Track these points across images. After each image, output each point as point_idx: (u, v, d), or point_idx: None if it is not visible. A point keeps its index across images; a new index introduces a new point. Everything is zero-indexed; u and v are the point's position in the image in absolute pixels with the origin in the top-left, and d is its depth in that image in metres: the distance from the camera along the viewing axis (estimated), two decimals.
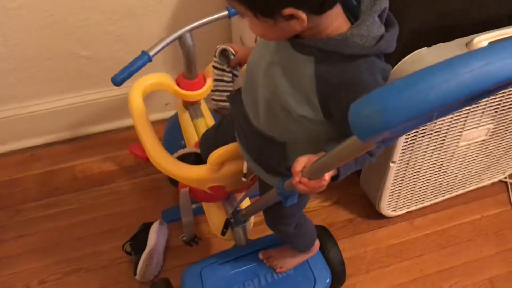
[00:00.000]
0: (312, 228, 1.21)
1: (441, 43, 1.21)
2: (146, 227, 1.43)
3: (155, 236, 1.39)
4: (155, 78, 1.20)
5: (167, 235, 1.46)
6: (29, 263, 1.43)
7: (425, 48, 1.20)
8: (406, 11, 1.19)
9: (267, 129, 0.84)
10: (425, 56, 1.20)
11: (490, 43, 1.19)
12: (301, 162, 0.67)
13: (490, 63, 0.35)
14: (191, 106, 1.33)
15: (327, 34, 0.69)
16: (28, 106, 1.67)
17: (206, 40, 1.52)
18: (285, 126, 0.80)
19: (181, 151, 1.13)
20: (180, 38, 1.14)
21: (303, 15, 0.64)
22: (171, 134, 1.42)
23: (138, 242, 1.41)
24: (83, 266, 1.43)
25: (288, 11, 0.63)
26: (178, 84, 1.24)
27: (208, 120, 1.32)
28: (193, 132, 1.30)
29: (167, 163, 1.04)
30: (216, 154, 0.97)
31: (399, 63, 1.21)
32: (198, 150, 1.15)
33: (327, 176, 0.66)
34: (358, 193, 1.58)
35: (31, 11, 1.43)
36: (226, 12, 1.16)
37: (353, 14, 0.71)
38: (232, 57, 1.04)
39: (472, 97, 0.36)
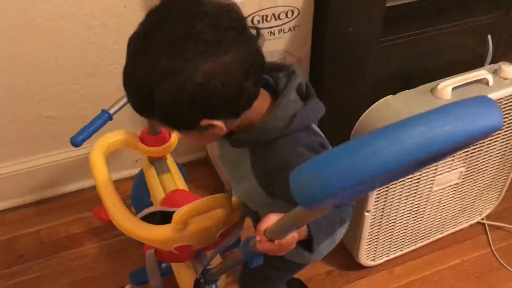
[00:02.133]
0: None
1: (406, 90, 1.21)
2: None
3: None
4: (117, 135, 1.17)
5: None
6: None
7: (391, 96, 1.20)
8: (368, 61, 1.20)
9: (241, 198, 0.91)
10: (390, 104, 1.19)
11: (454, 88, 1.20)
12: (266, 222, 0.64)
13: (434, 127, 0.32)
14: (156, 161, 1.29)
15: (254, 122, 0.72)
16: None
17: None
18: (251, 199, 0.84)
19: (146, 210, 1.08)
20: None
21: (219, 123, 0.67)
22: (138, 191, 1.38)
23: None
24: None
25: (204, 122, 0.66)
26: (142, 140, 1.21)
27: (175, 175, 1.28)
28: (159, 188, 1.25)
29: (130, 224, 1.00)
30: (181, 213, 0.93)
31: (366, 112, 1.21)
32: (164, 208, 1.10)
33: (286, 240, 0.63)
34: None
35: None
36: None
37: (276, 92, 0.75)
38: None
39: (416, 164, 0.34)
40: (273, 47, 1.28)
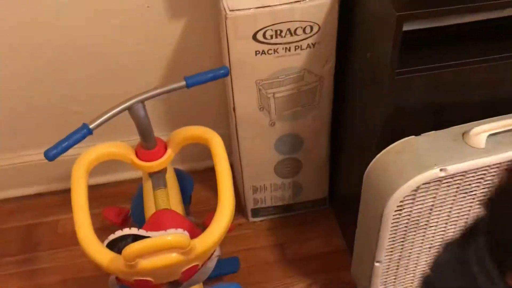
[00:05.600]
0: None
1: (432, 132, 1.02)
2: None
3: None
4: (108, 148, 1.12)
5: None
6: None
7: (413, 137, 1.02)
8: (391, 85, 1.01)
9: None
10: (412, 147, 1.02)
11: (490, 136, 0.99)
12: None
13: None
14: (154, 174, 1.21)
15: None
16: (21, 156, 1.65)
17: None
18: None
19: (119, 232, 1.02)
20: (130, 109, 1.05)
21: None
22: (136, 203, 1.31)
23: None
24: None
25: None
26: (137, 154, 1.14)
27: (170, 191, 1.20)
28: (152, 204, 1.19)
29: (90, 249, 0.96)
30: (129, 250, 0.86)
31: (382, 152, 1.04)
32: (140, 232, 1.03)
33: None
34: (349, 280, 1.38)
35: (18, 67, 1.42)
36: (183, 83, 1.05)
37: None
38: None
39: None
40: (289, 63, 1.15)
